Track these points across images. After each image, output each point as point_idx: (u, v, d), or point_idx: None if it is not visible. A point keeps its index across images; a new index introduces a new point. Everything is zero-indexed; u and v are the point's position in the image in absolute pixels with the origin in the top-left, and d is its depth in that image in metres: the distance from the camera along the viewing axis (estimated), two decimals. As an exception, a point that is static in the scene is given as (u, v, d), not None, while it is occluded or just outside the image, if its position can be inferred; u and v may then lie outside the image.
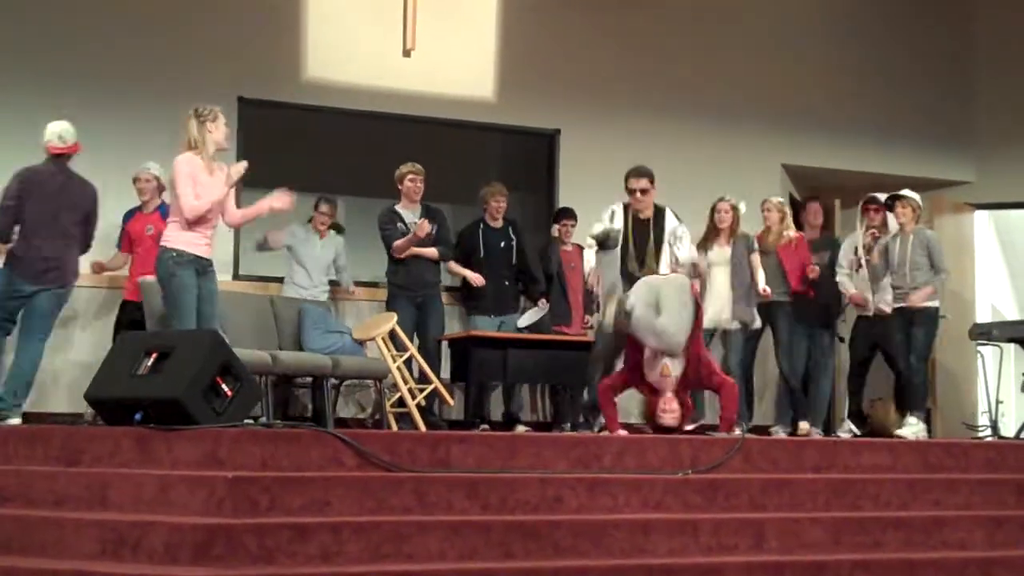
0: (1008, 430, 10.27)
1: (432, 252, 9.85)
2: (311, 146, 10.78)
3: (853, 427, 9.86)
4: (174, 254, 7.30)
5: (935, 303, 9.40)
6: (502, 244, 10.24)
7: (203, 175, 7.35)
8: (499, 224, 10.31)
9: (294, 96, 10.55)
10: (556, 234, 10.63)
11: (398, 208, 9.90)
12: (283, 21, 10.62)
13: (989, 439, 9.45)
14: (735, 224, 9.85)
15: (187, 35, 10.21)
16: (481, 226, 10.26)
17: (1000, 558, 6.14)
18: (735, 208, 9.89)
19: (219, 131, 7.45)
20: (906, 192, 9.54)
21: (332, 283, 10.10)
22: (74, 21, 9.94)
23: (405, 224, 9.79)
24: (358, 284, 10.39)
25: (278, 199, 7.74)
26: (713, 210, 9.86)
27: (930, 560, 6.02)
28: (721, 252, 9.75)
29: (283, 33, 10.61)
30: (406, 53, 10.78)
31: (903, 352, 9.44)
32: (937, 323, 9.49)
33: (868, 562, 5.87)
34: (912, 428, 9.19)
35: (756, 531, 5.89)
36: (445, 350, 10.00)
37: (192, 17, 10.27)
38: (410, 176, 9.84)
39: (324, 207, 9.89)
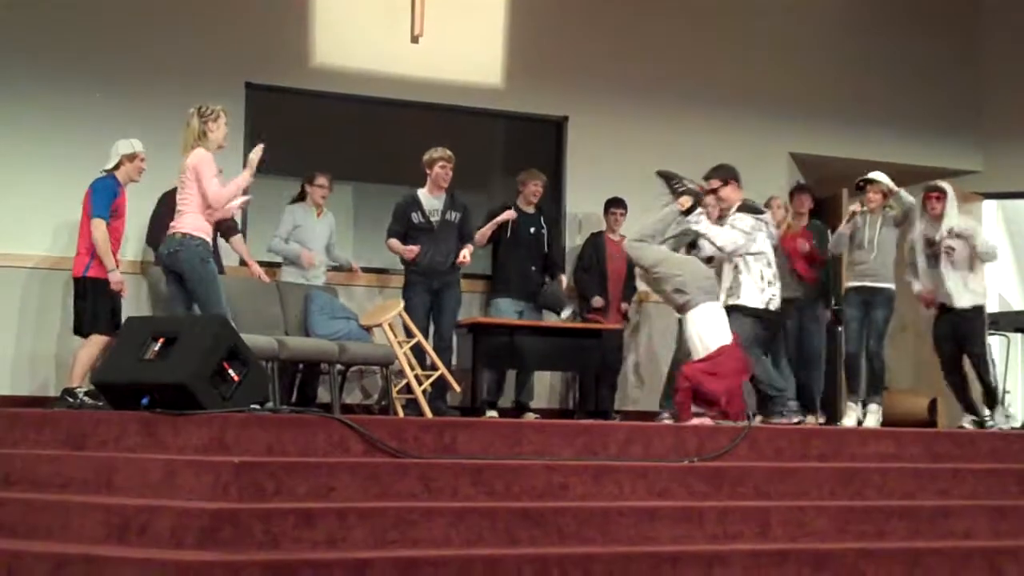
0: (1014, 420, 10.26)
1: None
2: (318, 132, 10.76)
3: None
4: (202, 242, 7.47)
5: (892, 285, 9.49)
6: (532, 230, 10.20)
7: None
8: (532, 210, 10.27)
9: (302, 82, 10.52)
10: (606, 223, 10.65)
11: (420, 194, 9.70)
12: (291, 7, 10.59)
13: (995, 429, 9.44)
14: None
15: (195, 21, 10.18)
16: (513, 208, 10.19)
17: (1005, 548, 6.15)
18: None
19: (220, 131, 7.60)
20: (876, 175, 9.60)
21: (332, 268, 10.09)
22: (80, 7, 9.92)
23: (423, 213, 9.61)
24: (366, 270, 10.36)
25: (251, 162, 7.73)
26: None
27: (935, 549, 6.02)
28: None
29: (291, 19, 10.58)
30: (414, 39, 10.74)
31: (856, 331, 9.46)
32: (894, 305, 9.54)
33: (873, 551, 5.87)
34: (874, 416, 9.34)
35: (761, 519, 5.90)
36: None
37: (201, 3, 10.24)
38: (441, 163, 9.61)
39: (322, 179, 9.76)
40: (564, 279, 10.37)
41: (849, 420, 9.48)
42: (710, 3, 11.95)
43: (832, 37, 12.40)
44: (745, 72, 11.92)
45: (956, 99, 12.74)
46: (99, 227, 8.50)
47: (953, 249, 9.30)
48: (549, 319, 10.24)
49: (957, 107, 12.73)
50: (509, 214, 10.07)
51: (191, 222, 7.46)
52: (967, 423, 9.49)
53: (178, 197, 7.61)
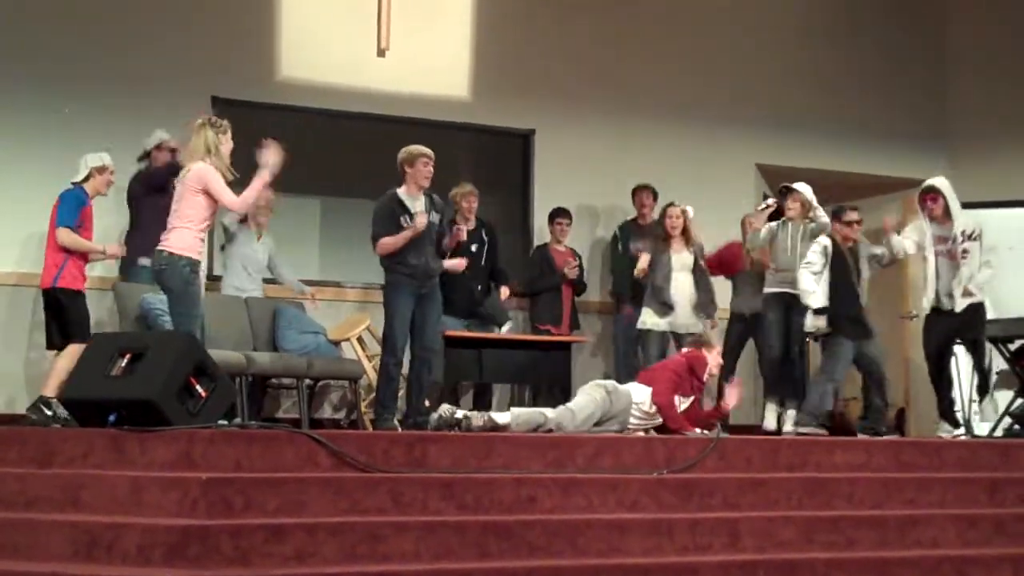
0: (981, 429, 10.30)
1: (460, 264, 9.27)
2: (285, 146, 10.70)
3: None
4: (189, 262, 7.19)
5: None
6: (473, 247, 9.92)
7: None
8: (471, 225, 9.94)
9: (268, 96, 10.49)
10: (551, 234, 10.64)
11: (400, 195, 8.81)
12: (257, 20, 10.58)
13: (962, 438, 9.48)
14: (688, 230, 9.81)
15: (161, 34, 10.14)
16: (453, 228, 9.63)
17: (973, 556, 6.18)
18: (684, 212, 9.90)
19: (227, 144, 7.39)
20: (797, 185, 9.71)
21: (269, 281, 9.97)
22: (44, 23, 9.87)
23: (410, 214, 8.73)
24: (332, 285, 10.33)
25: (267, 160, 7.55)
26: (663, 216, 9.84)
27: (904, 559, 6.05)
28: (680, 259, 9.69)
29: (257, 32, 10.57)
30: (380, 53, 10.76)
31: (778, 333, 9.56)
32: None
33: (842, 561, 5.89)
34: (793, 419, 9.36)
35: (731, 530, 5.91)
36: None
37: (166, 17, 10.21)
38: (423, 159, 8.79)
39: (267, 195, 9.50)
40: (505, 291, 10.09)
41: (769, 422, 9.60)
42: (676, 17, 11.99)
43: (799, 49, 12.46)
44: (712, 85, 11.97)
45: (922, 109, 12.83)
46: (65, 234, 8.39)
47: (968, 252, 9.32)
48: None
49: (923, 117, 12.82)
50: (460, 235, 9.71)
51: (178, 240, 7.19)
52: (943, 432, 9.49)
53: (172, 209, 7.33)
